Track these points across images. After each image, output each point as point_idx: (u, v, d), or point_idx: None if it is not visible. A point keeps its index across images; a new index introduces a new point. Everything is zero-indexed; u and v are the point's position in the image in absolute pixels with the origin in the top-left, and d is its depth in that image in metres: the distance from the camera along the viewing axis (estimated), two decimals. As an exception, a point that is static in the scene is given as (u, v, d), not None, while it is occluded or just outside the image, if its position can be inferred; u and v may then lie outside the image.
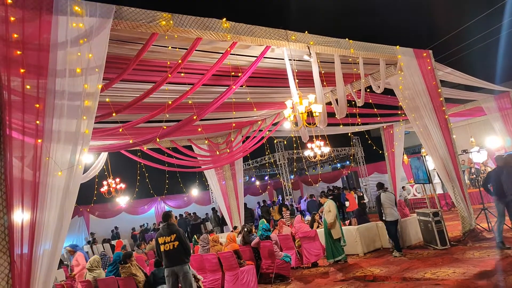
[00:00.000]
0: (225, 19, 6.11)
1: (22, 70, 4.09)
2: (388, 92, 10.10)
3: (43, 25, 4.29)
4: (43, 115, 4.18)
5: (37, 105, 4.16)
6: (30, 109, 4.13)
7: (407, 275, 6.76)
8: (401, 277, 6.75)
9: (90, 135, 4.60)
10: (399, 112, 12.73)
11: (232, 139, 13.27)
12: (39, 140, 4.13)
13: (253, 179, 25.96)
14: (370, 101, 10.83)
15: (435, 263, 7.27)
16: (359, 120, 11.61)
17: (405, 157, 17.67)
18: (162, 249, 6.27)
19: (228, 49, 6.46)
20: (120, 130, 6.84)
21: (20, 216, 3.92)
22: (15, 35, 4.12)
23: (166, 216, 6.58)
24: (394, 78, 9.29)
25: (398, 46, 8.85)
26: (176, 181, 17.40)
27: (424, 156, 11.24)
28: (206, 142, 13.53)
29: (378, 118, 12.55)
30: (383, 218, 8.69)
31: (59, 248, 4.22)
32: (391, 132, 17.00)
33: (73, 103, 4.45)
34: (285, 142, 19.24)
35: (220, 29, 6.04)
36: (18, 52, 4.11)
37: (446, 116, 9.19)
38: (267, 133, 11.78)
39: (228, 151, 12.62)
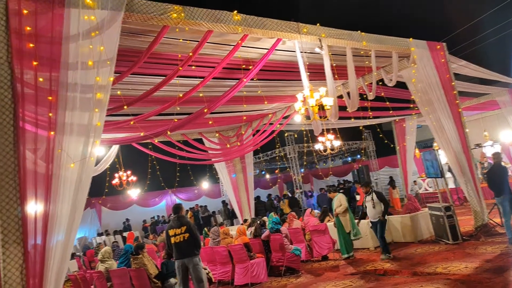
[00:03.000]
0: (236, 11, 6.08)
1: (34, 63, 4.12)
2: (400, 85, 9.97)
3: (56, 18, 4.31)
4: (55, 108, 4.20)
5: (50, 98, 4.18)
6: (43, 102, 4.16)
7: (418, 270, 6.73)
8: (412, 271, 6.71)
9: (102, 128, 4.62)
10: (412, 106, 12.57)
11: (243, 132, 13.26)
12: (52, 133, 4.16)
13: (263, 172, 25.93)
14: (382, 94, 10.72)
15: (447, 257, 7.21)
16: (371, 113, 11.50)
17: (417, 151, 17.51)
18: (172, 241, 6.31)
19: (239, 41, 6.43)
20: (132, 123, 6.88)
21: (34, 207, 3.96)
22: (28, 28, 4.15)
23: (177, 208, 6.62)
24: (406, 71, 9.17)
25: (411, 39, 8.72)
26: (186, 174, 17.45)
27: (437, 150, 11.11)
28: (216, 135, 13.56)
29: (391, 112, 12.42)
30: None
31: (72, 239, 4.26)
32: (403, 125, 16.84)
33: (85, 96, 4.47)
34: (296, 136, 19.14)
35: (231, 21, 6.02)
36: (31, 45, 4.14)
37: (460, 110, 9.06)
38: (277, 126, 11.74)
39: (239, 144, 12.62)
